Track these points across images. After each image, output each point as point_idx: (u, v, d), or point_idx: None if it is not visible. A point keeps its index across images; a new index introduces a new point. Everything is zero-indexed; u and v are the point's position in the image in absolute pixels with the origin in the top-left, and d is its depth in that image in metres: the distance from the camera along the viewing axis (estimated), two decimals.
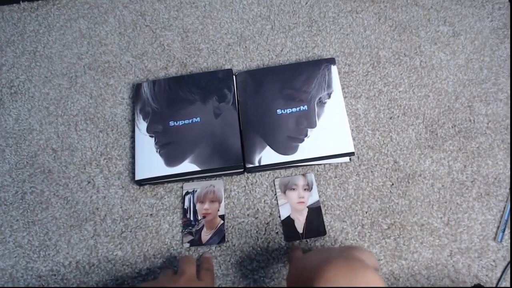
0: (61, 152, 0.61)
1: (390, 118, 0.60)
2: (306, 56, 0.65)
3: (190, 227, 0.55)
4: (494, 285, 0.51)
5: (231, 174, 0.58)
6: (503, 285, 0.51)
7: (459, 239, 0.53)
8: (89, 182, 0.59)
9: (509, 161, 0.57)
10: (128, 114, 0.63)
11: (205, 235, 0.54)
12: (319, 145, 0.56)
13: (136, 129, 0.59)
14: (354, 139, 0.59)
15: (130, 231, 0.55)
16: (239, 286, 0.52)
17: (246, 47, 0.66)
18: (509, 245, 0.53)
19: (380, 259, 0.53)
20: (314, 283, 0.34)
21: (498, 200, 0.55)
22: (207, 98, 0.60)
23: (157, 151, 0.57)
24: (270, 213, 0.56)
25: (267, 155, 0.56)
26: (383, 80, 0.63)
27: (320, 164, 0.58)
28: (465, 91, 0.62)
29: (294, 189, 0.56)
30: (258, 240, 0.54)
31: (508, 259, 0.52)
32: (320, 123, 0.57)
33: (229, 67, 0.65)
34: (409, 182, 0.56)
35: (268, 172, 0.58)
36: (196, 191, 0.57)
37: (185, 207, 0.56)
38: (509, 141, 0.58)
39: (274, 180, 0.57)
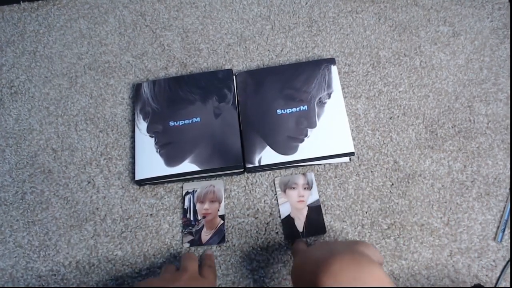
0: (61, 152, 0.61)
1: (390, 118, 0.60)
2: (306, 56, 0.65)
3: (190, 227, 0.55)
4: (494, 285, 0.51)
5: (231, 174, 0.58)
6: (502, 285, 0.51)
7: (459, 239, 0.53)
8: (89, 182, 0.59)
9: (509, 161, 0.57)
10: (128, 114, 0.63)
11: (205, 235, 0.54)
12: (319, 145, 0.56)
13: (136, 129, 0.59)
14: (354, 139, 0.59)
15: (130, 231, 0.55)
16: (239, 286, 0.52)
17: (246, 47, 0.66)
18: (509, 245, 0.53)
19: None
20: (319, 277, 0.34)
21: (498, 200, 0.55)
22: (207, 98, 0.60)
23: (157, 151, 0.57)
24: (270, 213, 0.56)
25: (267, 155, 0.56)
26: (383, 80, 0.63)
27: (320, 164, 0.58)
28: (465, 91, 0.62)
29: (294, 188, 0.56)
30: (258, 240, 0.54)
31: (508, 259, 0.52)
32: (320, 123, 0.57)
33: (229, 67, 0.65)
34: (409, 182, 0.56)
35: (268, 172, 0.58)
36: (196, 191, 0.57)
37: (185, 207, 0.56)
38: (509, 141, 0.58)
39: (274, 180, 0.57)
